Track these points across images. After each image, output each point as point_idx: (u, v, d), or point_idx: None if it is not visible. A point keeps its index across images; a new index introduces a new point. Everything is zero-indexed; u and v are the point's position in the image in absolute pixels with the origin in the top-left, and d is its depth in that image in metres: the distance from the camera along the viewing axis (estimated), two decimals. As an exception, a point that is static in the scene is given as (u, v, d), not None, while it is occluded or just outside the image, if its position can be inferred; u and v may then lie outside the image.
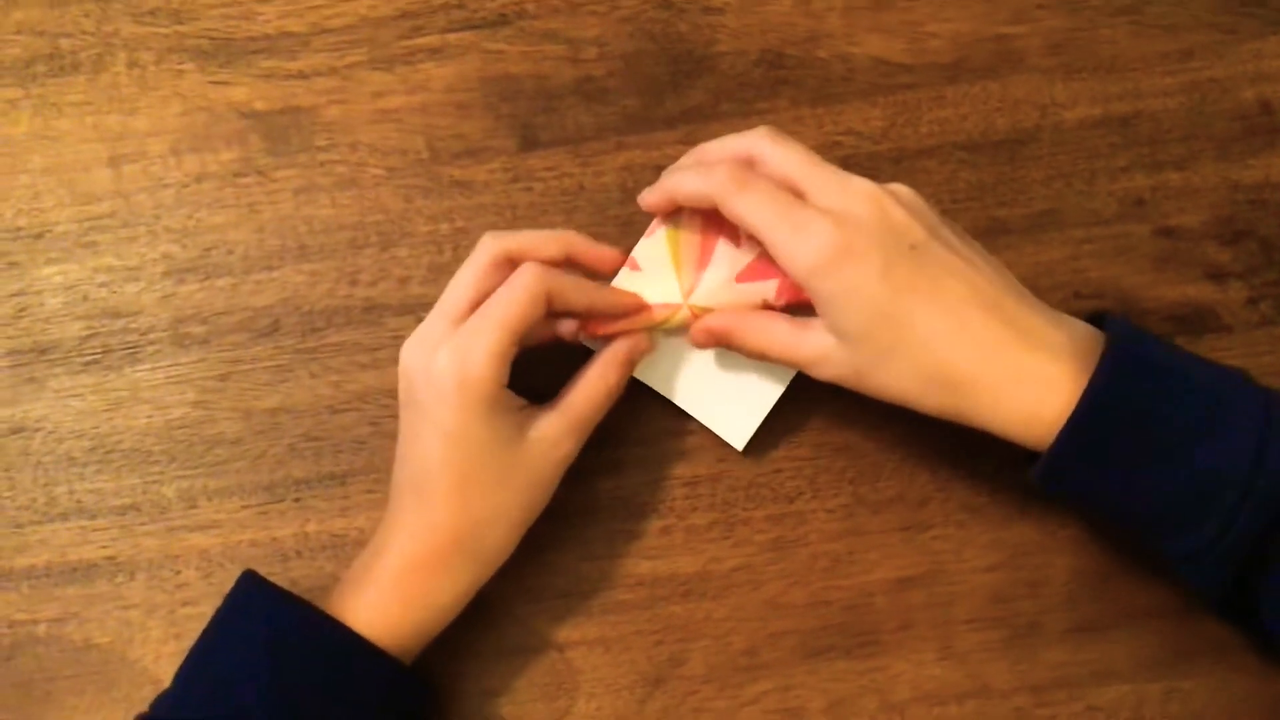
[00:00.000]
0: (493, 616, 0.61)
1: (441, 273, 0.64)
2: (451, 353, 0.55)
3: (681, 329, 0.59)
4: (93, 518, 0.63)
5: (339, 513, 0.63)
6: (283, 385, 0.64)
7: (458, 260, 0.64)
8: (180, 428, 0.64)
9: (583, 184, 0.65)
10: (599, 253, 0.58)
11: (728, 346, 0.58)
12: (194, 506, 0.63)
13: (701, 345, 0.59)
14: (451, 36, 0.66)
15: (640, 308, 0.59)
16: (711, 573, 0.62)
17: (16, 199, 0.65)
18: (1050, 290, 0.63)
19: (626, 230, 0.64)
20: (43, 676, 0.62)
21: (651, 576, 0.62)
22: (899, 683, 0.61)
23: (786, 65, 0.66)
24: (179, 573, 0.63)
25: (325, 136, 0.66)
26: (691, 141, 0.64)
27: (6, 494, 0.63)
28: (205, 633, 0.56)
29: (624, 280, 0.59)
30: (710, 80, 0.66)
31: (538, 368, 0.59)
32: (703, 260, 0.59)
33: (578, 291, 0.57)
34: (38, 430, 0.64)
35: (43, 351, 0.64)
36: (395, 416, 0.59)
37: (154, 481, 0.63)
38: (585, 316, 0.58)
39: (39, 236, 0.65)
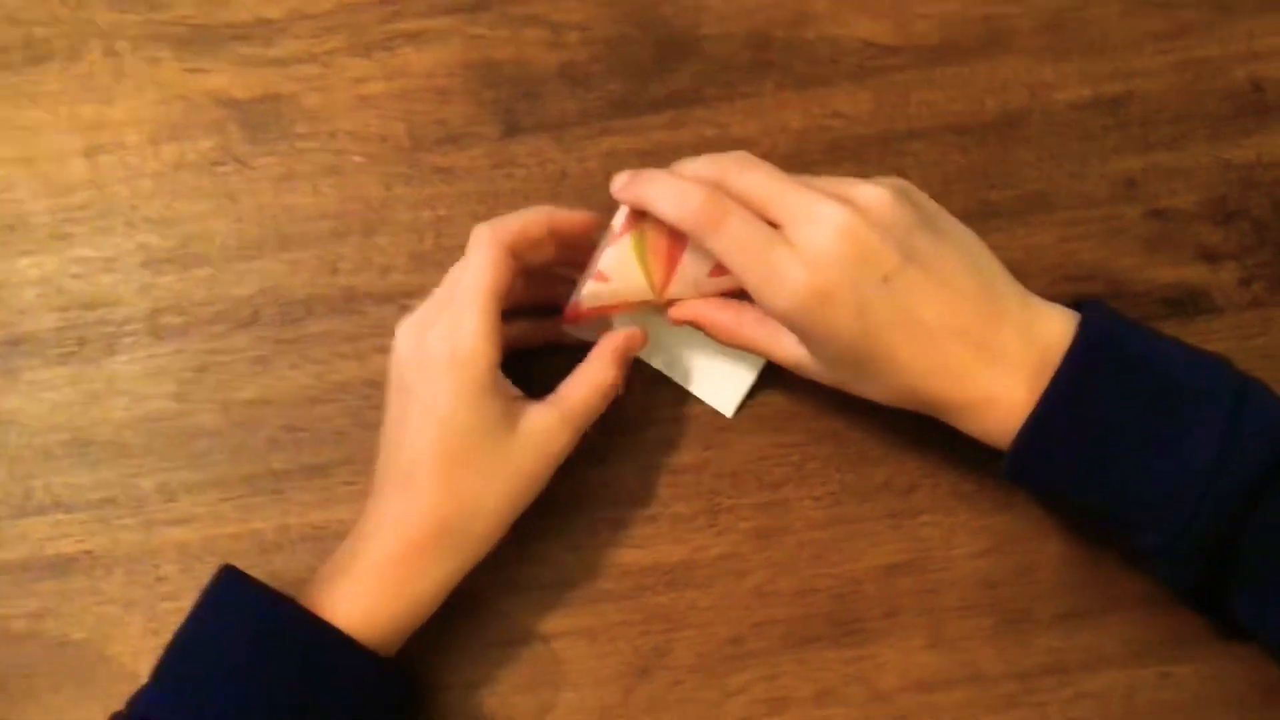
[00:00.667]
0: (475, 608, 0.61)
1: (423, 261, 0.64)
2: (440, 330, 0.55)
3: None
4: (69, 512, 0.62)
5: (320, 505, 0.62)
6: (262, 376, 0.63)
7: (439, 248, 0.64)
8: (158, 420, 0.63)
9: (566, 170, 0.64)
10: (571, 217, 0.58)
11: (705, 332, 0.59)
12: (173, 500, 0.62)
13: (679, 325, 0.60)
14: (431, 21, 0.65)
15: (597, 225, 0.58)
16: (697, 561, 0.62)
17: (-9, 190, 0.65)
18: (1041, 274, 0.63)
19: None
20: (19, 673, 0.61)
21: (636, 566, 0.62)
22: (887, 671, 0.60)
23: (773, 48, 0.65)
24: (158, 567, 0.62)
25: (305, 124, 0.65)
26: (677, 126, 0.64)
27: (-18, 488, 0.63)
28: (182, 628, 0.55)
29: (592, 291, 0.58)
30: (695, 64, 0.65)
31: (538, 369, 0.59)
32: (672, 260, 0.58)
33: (533, 224, 0.57)
34: (12, 423, 0.63)
35: (17, 343, 0.63)
36: (377, 407, 0.58)
37: (132, 475, 0.63)
38: (555, 248, 0.58)
39: (12, 228, 0.64)
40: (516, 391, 0.57)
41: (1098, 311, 0.54)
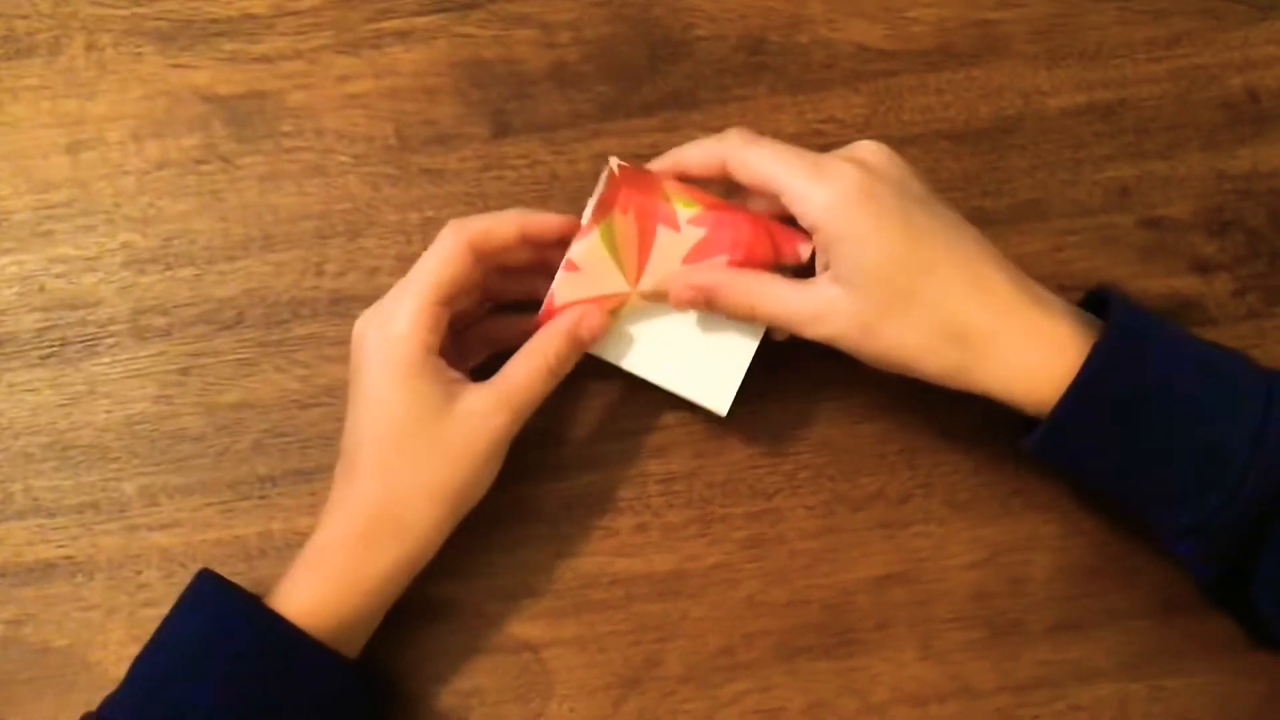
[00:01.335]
0: (464, 616, 0.60)
1: (411, 263, 0.62)
2: (375, 316, 0.55)
3: (639, 306, 0.58)
4: (50, 516, 0.61)
5: (305, 510, 0.61)
6: (247, 379, 0.62)
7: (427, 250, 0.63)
8: (140, 423, 0.62)
9: (556, 172, 0.64)
10: (545, 221, 0.57)
11: (711, 306, 0.56)
12: (155, 504, 0.61)
13: (684, 304, 0.57)
14: (420, 20, 0.65)
15: (573, 228, 0.57)
16: (688, 571, 0.61)
17: (-30, 186, 0.64)
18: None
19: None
20: (0, 680, 0.60)
21: (627, 575, 0.61)
22: (879, 683, 0.60)
23: (766, 51, 0.65)
24: (140, 573, 0.61)
25: (290, 122, 0.64)
26: (669, 129, 0.64)
27: (-39, 491, 0.62)
28: (156, 632, 0.55)
29: (564, 282, 0.57)
30: (688, 66, 0.64)
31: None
32: (644, 249, 0.57)
33: (501, 224, 0.56)
34: (-8, 426, 0.62)
35: (-3, 344, 0.63)
36: (364, 411, 0.57)
37: (113, 479, 0.62)
38: (529, 250, 0.58)
39: (-7, 225, 0.63)
40: (456, 375, 0.56)
41: (1123, 295, 0.54)
